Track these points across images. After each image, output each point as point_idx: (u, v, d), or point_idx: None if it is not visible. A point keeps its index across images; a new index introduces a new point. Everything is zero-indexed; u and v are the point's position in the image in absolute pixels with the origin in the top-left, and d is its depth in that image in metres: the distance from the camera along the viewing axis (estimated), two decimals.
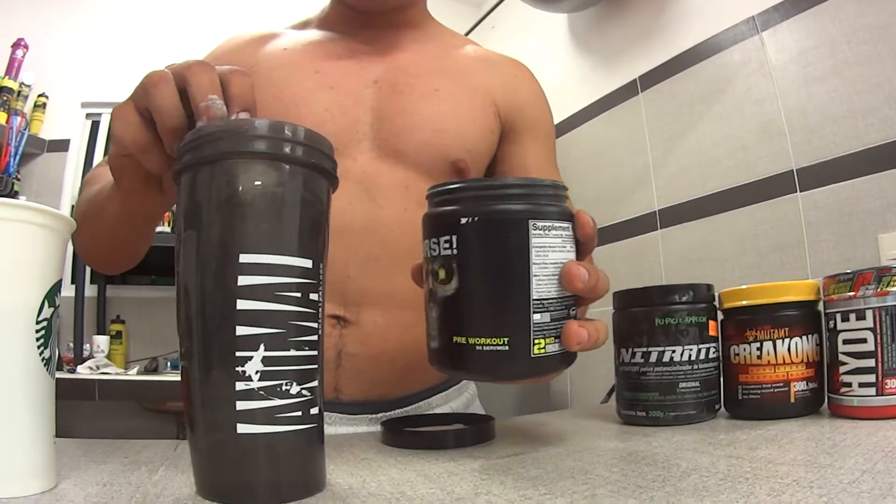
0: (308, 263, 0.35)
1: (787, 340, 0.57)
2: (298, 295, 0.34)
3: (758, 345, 0.58)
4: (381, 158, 0.74)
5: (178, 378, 0.35)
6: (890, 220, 1.17)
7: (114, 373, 2.12)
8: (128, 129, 0.43)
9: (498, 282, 0.40)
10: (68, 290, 2.34)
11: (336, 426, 0.71)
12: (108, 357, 2.27)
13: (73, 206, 2.49)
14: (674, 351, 0.58)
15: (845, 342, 0.55)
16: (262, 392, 0.32)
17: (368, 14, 0.80)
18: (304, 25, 0.85)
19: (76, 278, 2.33)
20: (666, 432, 0.55)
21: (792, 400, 0.57)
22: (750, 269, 1.44)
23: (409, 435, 0.57)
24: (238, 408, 0.32)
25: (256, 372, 0.32)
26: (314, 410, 0.35)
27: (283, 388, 0.33)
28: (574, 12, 2.06)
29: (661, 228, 1.69)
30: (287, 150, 0.35)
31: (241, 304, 0.32)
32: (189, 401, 0.34)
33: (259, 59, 0.78)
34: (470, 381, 0.84)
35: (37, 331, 0.35)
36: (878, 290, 0.53)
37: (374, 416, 0.72)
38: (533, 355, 0.40)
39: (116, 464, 0.44)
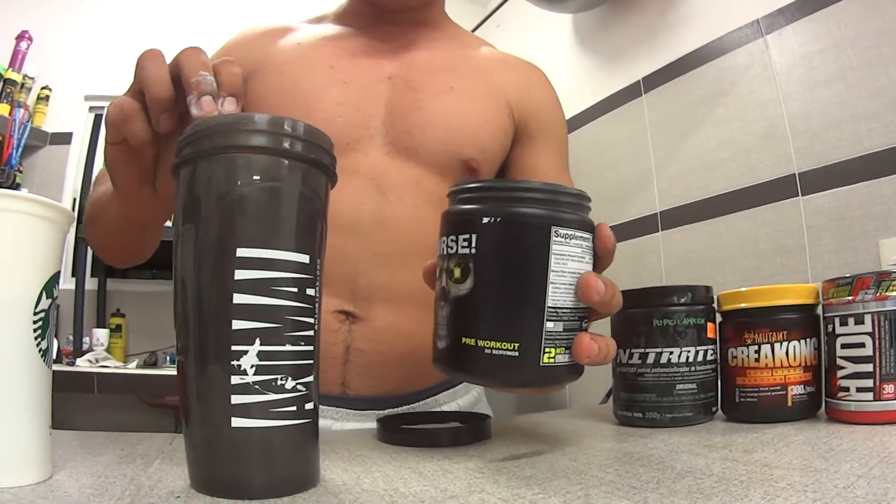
0: (305, 259, 0.35)
1: (784, 344, 0.57)
2: (295, 290, 0.34)
3: (756, 348, 0.58)
4: (392, 155, 0.74)
5: (176, 372, 0.35)
6: (891, 226, 1.17)
7: (113, 366, 2.12)
8: (117, 106, 0.44)
9: (514, 285, 0.39)
10: (68, 283, 2.34)
11: (343, 422, 0.71)
12: (108, 350, 2.28)
13: (74, 199, 2.49)
14: (671, 352, 0.58)
15: (843, 346, 0.55)
16: (257, 386, 0.32)
17: (387, 11, 0.80)
18: (319, 20, 0.85)
19: (76, 271, 2.33)
20: (662, 434, 0.55)
21: (789, 404, 0.57)
22: (751, 272, 1.43)
23: (404, 432, 0.56)
24: (233, 401, 0.32)
25: (252, 366, 0.32)
26: (309, 406, 0.35)
27: (279, 382, 0.33)
28: (579, 12, 2.06)
29: (662, 230, 1.69)
30: (286, 145, 0.35)
31: (238, 299, 0.32)
32: (185, 394, 0.34)
33: (272, 53, 0.78)
34: (472, 384, 0.84)
35: (34, 322, 0.35)
36: (878, 294, 0.53)
37: (381, 411, 0.72)
38: (542, 364, 0.40)
39: (112, 456, 0.44)
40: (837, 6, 1.28)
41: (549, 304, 0.39)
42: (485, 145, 0.76)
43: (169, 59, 0.44)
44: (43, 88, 2.51)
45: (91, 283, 2.42)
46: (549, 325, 0.39)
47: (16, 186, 2.29)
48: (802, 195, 1.33)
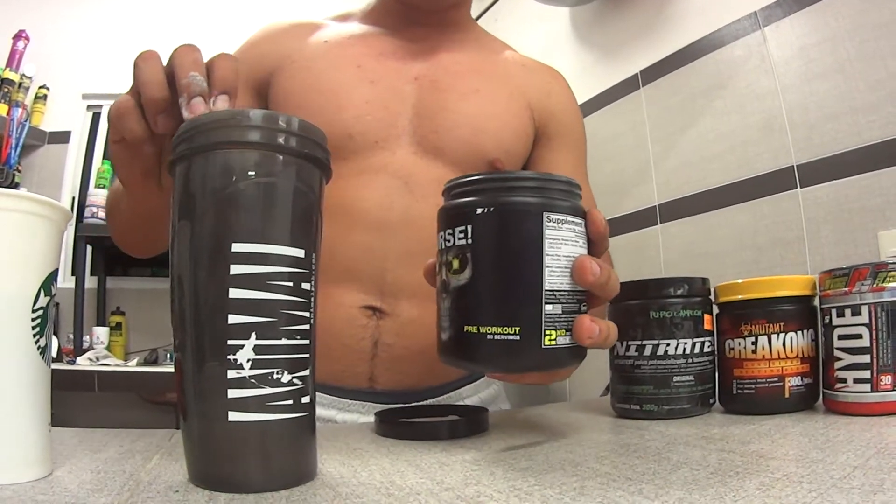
0: (300, 253, 0.35)
1: (782, 335, 0.57)
2: (290, 284, 0.34)
3: (752, 339, 0.58)
4: (419, 154, 0.75)
5: (174, 367, 0.36)
6: (890, 217, 1.16)
7: (113, 364, 2.13)
8: (115, 105, 0.45)
9: (511, 271, 0.40)
10: (69, 282, 2.34)
11: (369, 416, 0.72)
12: (108, 348, 2.28)
13: (73, 198, 2.50)
14: (668, 344, 0.58)
15: (840, 338, 0.55)
16: (253, 380, 0.32)
17: (418, 11, 0.82)
18: (344, 18, 0.87)
19: (76, 269, 2.34)
20: (659, 426, 0.55)
21: (786, 395, 0.57)
22: (749, 264, 1.43)
23: (402, 425, 0.57)
24: (229, 396, 0.32)
25: (248, 360, 0.32)
26: (305, 399, 0.35)
27: (275, 376, 0.33)
28: (577, 6, 2.05)
29: (661, 223, 1.69)
30: (280, 140, 0.35)
31: (234, 293, 0.32)
32: (182, 389, 0.34)
33: (298, 49, 0.79)
34: (478, 373, 0.85)
35: (33, 319, 0.35)
36: (874, 285, 0.53)
37: (406, 405, 0.73)
38: (544, 346, 0.40)
39: (111, 452, 0.44)
40: None
41: (547, 288, 0.40)
42: (508, 146, 0.78)
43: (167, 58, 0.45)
44: (41, 88, 2.51)
45: (91, 282, 2.42)
46: (548, 307, 0.40)
47: (15, 186, 2.29)
48: (801, 187, 1.33)
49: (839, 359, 0.55)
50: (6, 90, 2.36)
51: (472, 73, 0.81)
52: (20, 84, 2.41)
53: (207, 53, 0.45)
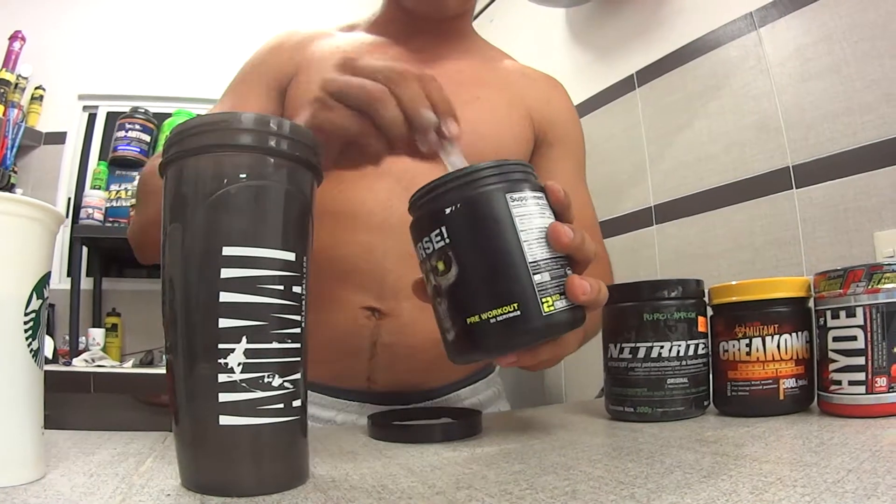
0: (291, 256, 0.35)
1: (776, 337, 0.57)
2: (281, 288, 0.34)
3: (747, 341, 0.58)
4: (421, 158, 0.76)
5: (165, 371, 0.35)
6: (886, 218, 1.17)
7: (109, 365, 2.12)
8: (344, 118, 0.48)
9: (494, 254, 0.42)
10: (64, 283, 2.34)
11: (366, 416, 0.72)
12: (104, 350, 2.27)
13: (69, 199, 2.49)
14: (662, 346, 0.58)
15: (835, 339, 0.55)
16: (244, 384, 0.32)
17: (422, 20, 0.84)
18: (350, 28, 0.89)
19: (72, 271, 2.33)
20: (653, 428, 0.55)
21: (781, 397, 0.57)
22: (745, 265, 1.43)
23: (395, 428, 0.57)
24: (220, 399, 0.32)
25: (239, 364, 0.32)
26: (296, 403, 0.35)
27: (265, 380, 0.33)
28: (572, 7, 2.06)
29: (656, 224, 1.69)
30: (272, 143, 0.35)
31: (224, 297, 0.32)
32: (174, 393, 0.34)
33: (308, 56, 0.81)
34: (492, 364, 0.86)
35: (25, 322, 0.35)
36: (869, 287, 0.53)
37: (404, 406, 0.73)
38: (544, 313, 0.41)
39: (105, 455, 0.44)
40: None
41: (530, 260, 0.42)
42: (509, 153, 0.79)
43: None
44: (37, 88, 2.50)
45: (86, 283, 2.41)
46: (537, 277, 0.42)
47: (10, 187, 2.28)
48: (797, 188, 1.33)
49: (834, 361, 0.55)
50: (2, 91, 2.35)
51: (473, 81, 0.82)
52: (16, 85, 2.40)
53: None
